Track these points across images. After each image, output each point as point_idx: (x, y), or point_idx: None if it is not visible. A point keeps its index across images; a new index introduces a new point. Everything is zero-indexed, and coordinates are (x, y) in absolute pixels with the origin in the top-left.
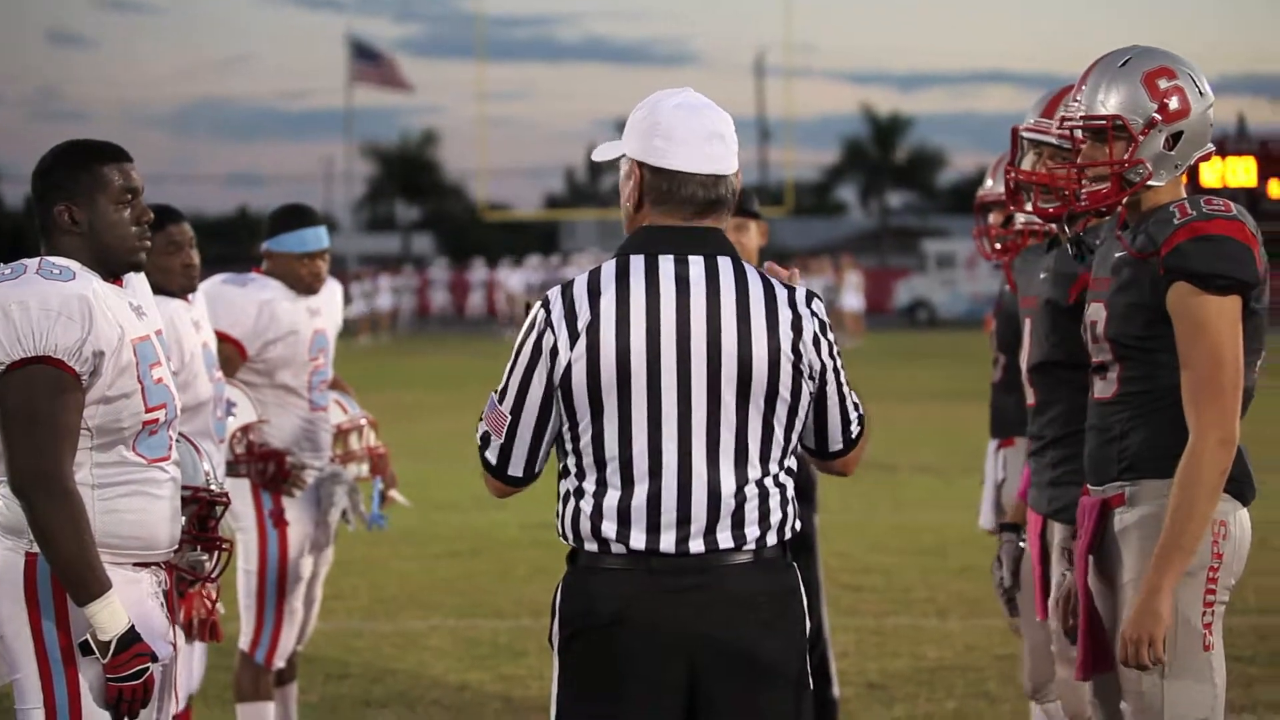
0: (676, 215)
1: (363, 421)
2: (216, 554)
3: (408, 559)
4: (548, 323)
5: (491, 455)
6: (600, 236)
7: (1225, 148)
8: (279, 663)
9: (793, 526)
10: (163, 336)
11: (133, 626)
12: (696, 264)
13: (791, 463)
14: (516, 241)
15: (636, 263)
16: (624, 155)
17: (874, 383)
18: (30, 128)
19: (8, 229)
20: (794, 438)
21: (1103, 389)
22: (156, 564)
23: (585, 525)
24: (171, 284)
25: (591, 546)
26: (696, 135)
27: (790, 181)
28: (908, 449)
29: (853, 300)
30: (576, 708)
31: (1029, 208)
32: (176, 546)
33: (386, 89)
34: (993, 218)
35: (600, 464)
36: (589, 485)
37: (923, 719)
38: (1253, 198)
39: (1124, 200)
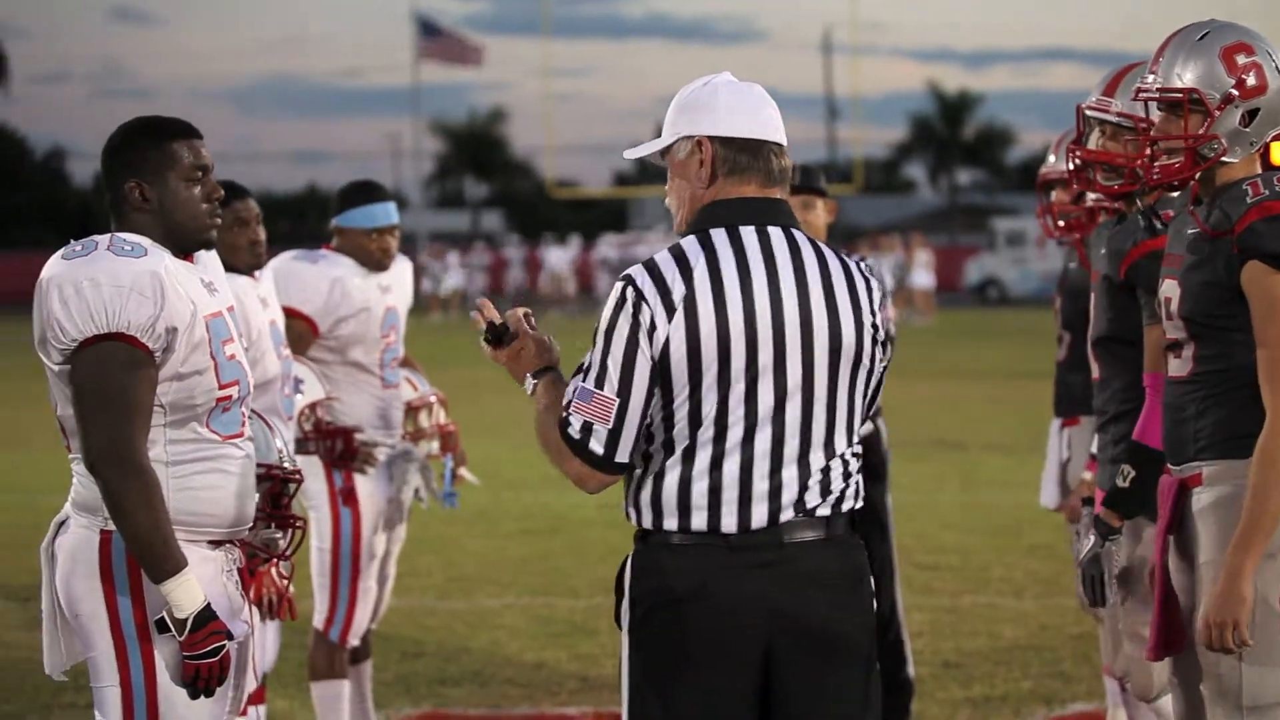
0: (751, 186)
1: (433, 399)
2: (290, 532)
3: (482, 537)
4: (640, 299)
5: (598, 445)
6: (669, 214)
7: None
8: (353, 641)
9: (859, 502)
10: (234, 313)
11: (209, 604)
12: (777, 234)
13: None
14: (585, 218)
15: (719, 236)
16: (681, 137)
17: (945, 361)
18: (95, 105)
19: (74, 206)
20: (867, 410)
21: (1178, 367)
22: (230, 542)
23: (669, 500)
24: (238, 261)
25: (671, 524)
26: (758, 107)
27: (859, 159)
28: (978, 427)
29: (923, 278)
30: (651, 685)
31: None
32: (250, 524)
33: (454, 65)
34: (1055, 195)
35: (693, 436)
36: (675, 460)
37: (999, 699)
38: None
39: (1196, 176)
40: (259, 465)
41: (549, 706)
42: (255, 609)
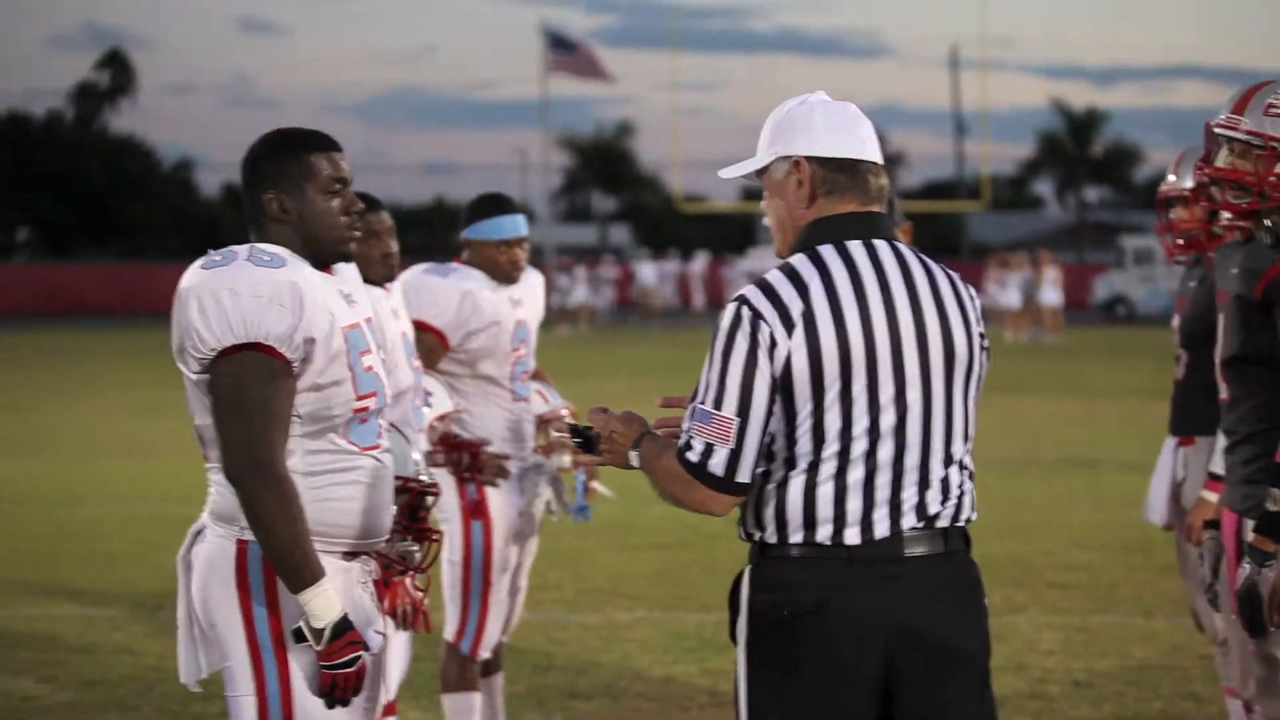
0: (850, 204)
1: (564, 412)
2: (427, 544)
3: (613, 550)
4: (758, 318)
5: (718, 466)
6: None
7: None
8: (484, 653)
9: (974, 513)
10: (373, 325)
11: (346, 614)
12: (883, 247)
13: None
14: (712, 233)
15: (828, 252)
16: (779, 157)
17: (1074, 378)
18: (223, 116)
19: (203, 217)
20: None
21: None
22: (366, 553)
23: (794, 513)
24: (371, 273)
25: (796, 537)
26: (853, 126)
27: (986, 175)
28: (1109, 445)
29: (1051, 296)
30: (769, 701)
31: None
32: (387, 536)
33: (584, 79)
34: (1175, 213)
35: (817, 450)
36: (799, 474)
37: (1130, 719)
38: None
39: None
40: (396, 477)
41: None
42: (389, 620)
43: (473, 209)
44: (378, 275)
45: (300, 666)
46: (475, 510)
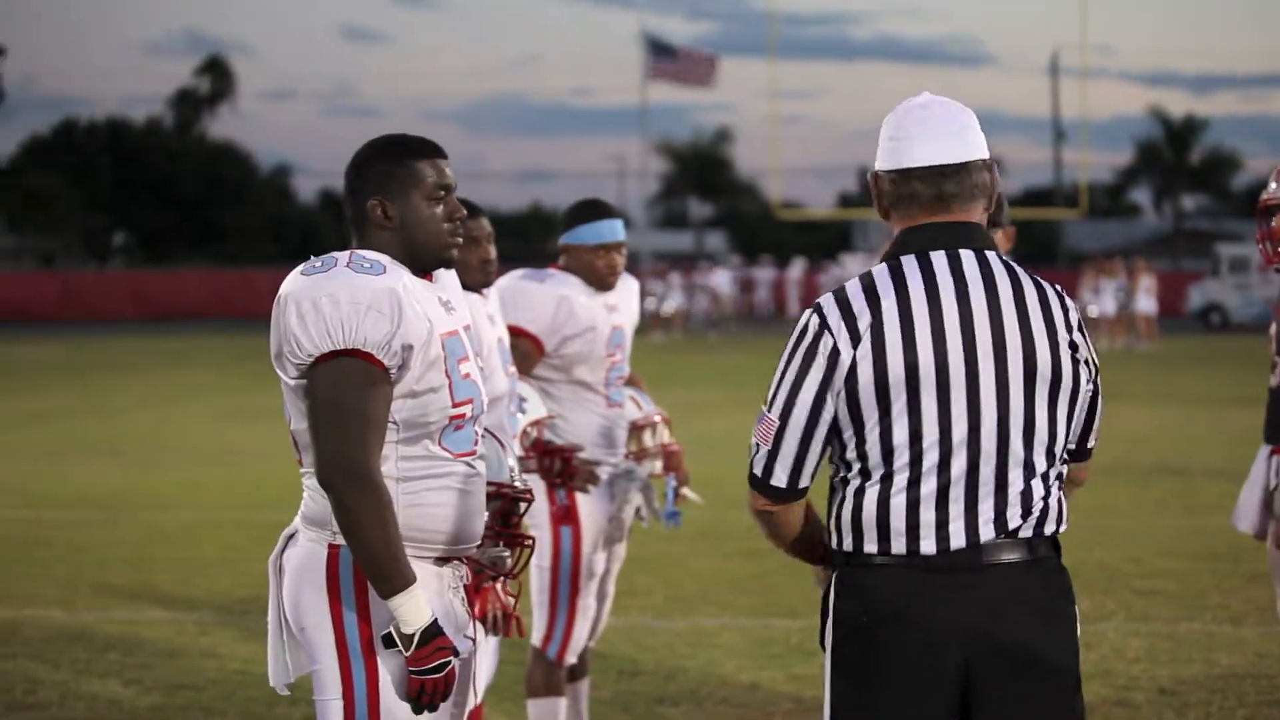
0: (918, 213)
1: (657, 418)
2: (519, 550)
3: (703, 556)
4: (823, 327)
5: (758, 465)
6: (893, 235)
7: None
8: (571, 659)
9: (1063, 524)
10: (471, 332)
11: (435, 620)
12: (969, 257)
13: (1065, 459)
14: (809, 240)
15: (909, 262)
16: (870, 174)
17: (1168, 386)
18: (322, 123)
19: (300, 223)
20: (1074, 433)
21: None
22: (458, 559)
23: (869, 523)
24: (469, 279)
25: (871, 547)
26: (930, 130)
27: (1084, 183)
28: (1200, 453)
29: (1146, 303)
30: (850, 707)
31: None
32: (479, 542)
33: (687, 85)
34: (1276, 222)
35: (888, 461)
36: (873, 484)
37: None
38: None
39: None
40: (490, 483)
41: None
42: (480, 625)
43: (572, 214)
44: (475, 281)
45: (388, 671)
46: (564, 516)
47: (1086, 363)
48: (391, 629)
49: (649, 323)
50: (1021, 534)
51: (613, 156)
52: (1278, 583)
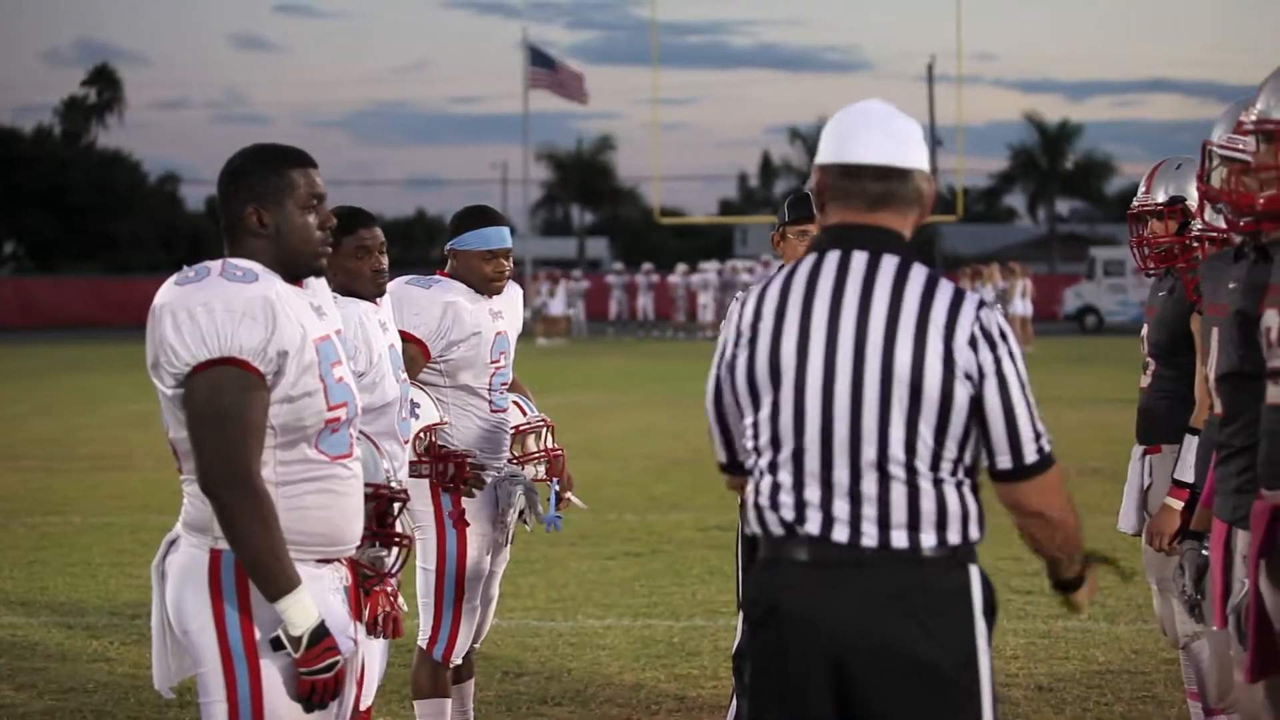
0: (852, 210)
1: (540, 423)
2: (396, 550)
3: (585, 558)
4: (728, 319)
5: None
6: (773, 246)
7: None
8: (456, 660)
9: (963, 532)
10: (342, 336)
11: (323, 621)
12: (859, 259)
13: (960, 470)
14: (691, 246)
15: (808, 260)
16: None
17: (1043, 388)
18: (212, 131)
19: (188, 231)
20: (950, 443)
21: (1276, 395)
22: (338, 560)
23: (750, 506)
24: (361, 287)
25: (755, 529)
26: (867, 130)
27: (960, 188)
28: (1076, 453)
29: (1022, 306)
30: (755, 699)
31: (1206, 216)
32: (358, 543)
33: (562, 97)
34: (1151, 227)
35: (758, 452)
36: (755, 472)
37: None
38: None
39: None
40: (366, 485)
41: None
42: (365, 627)
43: (459, 220)
44: (368, 289)
45: (272, 673)
46: (451, 520)
47: (969, 375)
48: (280, 631)
49: (533, 328)
50: (895, 541)
51: (496, 164)
52: (1152, 579)
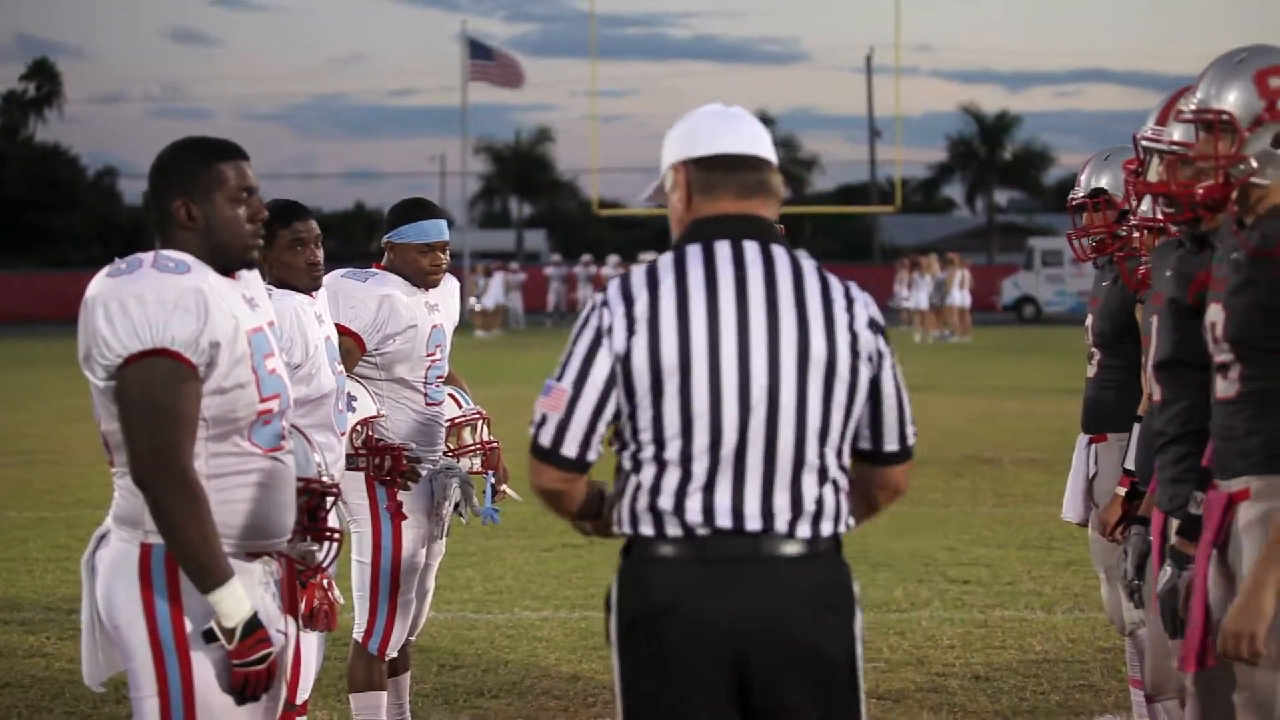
0: (725, 201)
1: (476, 416)
2: (327, 544)
3: (522, 550)
4: (604, 306)
5: (546, 436)
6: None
7: None
8: (392, 653)
9: (847, 522)
10: (275, 328)
11: (256, 613)
12: (752, 248)
13: (846, 456)
14: (629, 238)
15: (693, 250)
16: (668, 169)
17: (980, 378)
18: (151, 125)
19: (126, 225)
20: (851, 427)
21: (1225, 389)
22: (269, 553)
23: (643, 505)
24: (296, 280)
25: (647, 530)
26: (731, 125)
27: (899, 179)
28: (1013, 443)
29: (960, 297)
30: (637, 701)
31: (1142, 207)
32: (288, 536)
33: (503, 87)
34: (1086, 218)
35: (660, 445)
36: (649, 468)
37: (1027, 711)
38: None
39: (1233, 196)
40: (298, 479)
41: (585, 718)
42: (301, 620)
43: (396, 213)
44: (303, 282)
45: (203, 667)
46: (387, 513)
47: (870, 358)
48: (213, 624)
49: (471, 320)
50: (799, 530)
51: (434, 157)
52: (1100, 568)
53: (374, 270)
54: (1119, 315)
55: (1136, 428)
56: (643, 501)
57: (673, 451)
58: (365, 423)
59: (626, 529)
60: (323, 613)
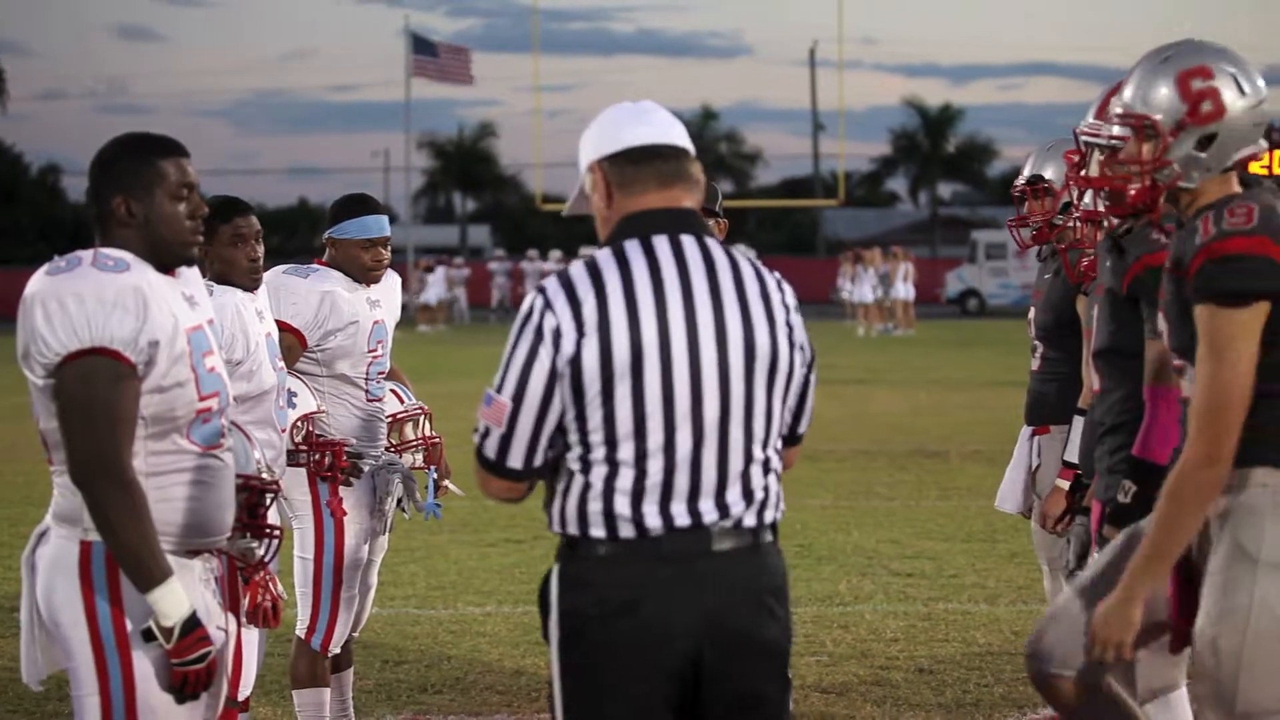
0: (647, 194)
1: (418, 411)
2: (267, 541)
3: (465, 546)
4: (547, 308)
5: (490, 448)
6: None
7: (1272, 139)
8: (335, 649)
9: (779, 512)
10: (215, 325)
11: (195, 612)
12: (690, 244)
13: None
14: (574, 232)
15: (632, 246)
16: (586, 172)
17: (925, 371)
18: (94, 121)
19: (69, 222)
20: (788, 416)
21: (1186, 388)
22: (209, 551)
23: (594, 506)
24: (236, 276)
25: (598, 532)
26: (642, 117)
27: (842, 173)
28: (957, 436)
29: (904, 290)
30: (582, 700)
31: (1086, 199)
32: (228, 534)
33: (448, 82)
34: (1028, 207)
35: (612, 445)
36: (599, 466)
37: (971, 704)
38: None
39: (1160, 200)
40: (237, 476)
41: (528, 713)
42: (245, 617)
43: (337, 209)
44: (244, 279)
45: (144, 665)
46: (328, 508)
47: (801, 347)
48: (151, 623)
49: (414, 315)
50: (745, 521)
51: (378, 152)
52: (1043, 559)
53: (315, 266)
54: (1061, 308)
55: (1078, 420)
56: (594, 504)
57: (626, 452)
58: (306, 419)
59: (573, 530)
60: (265, 609)
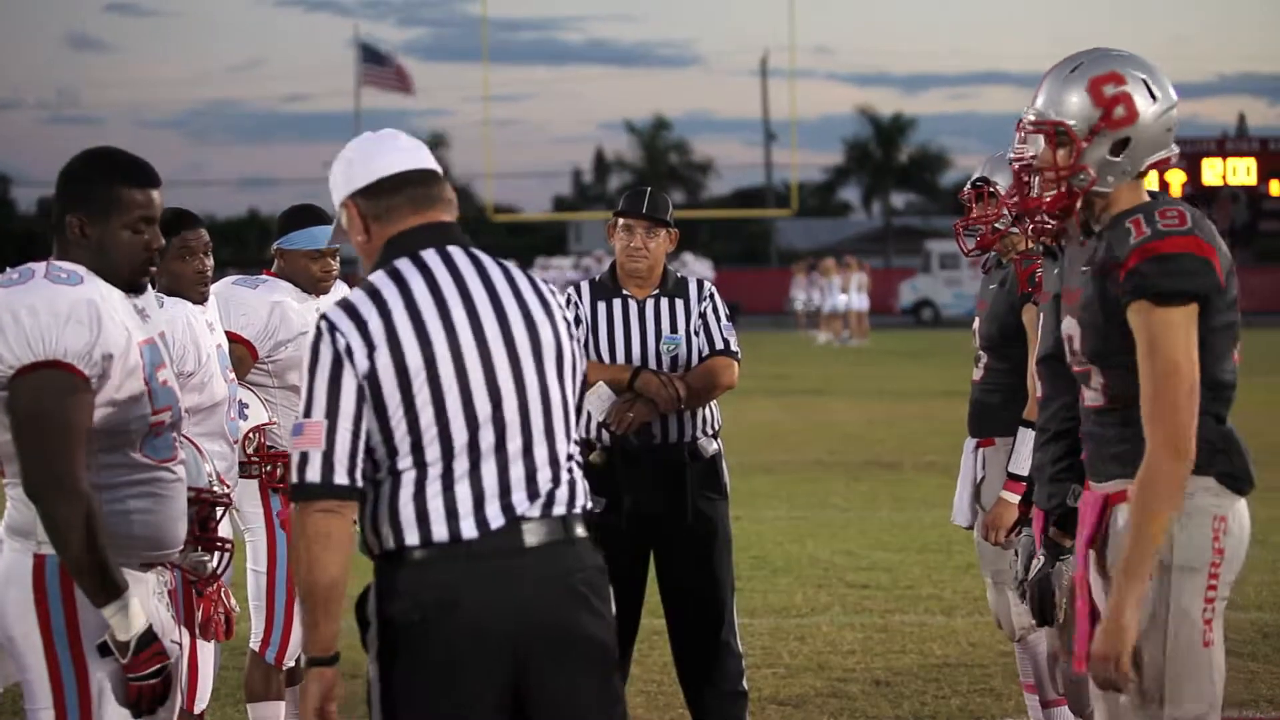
0: (403, 220)
1: None
2: (218, 554)
3: None
4: (333, 330)
5: (313, 471)
6: (607, 238)
7: (1225, 148)
8: (290, 662)
9: (589, 500)
10: (167, 339)
11: (150, 626)
12: (459, 254)
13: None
14: (524, 243)
15: (404, 264)
16: (341, 208)
17: (879, 381)
18: (45, 132)
19: (19, 233)
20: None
21: (1092, 398)
22: (161, 564)
23: (408, 516)
24: (185, 289)
25: (412, 539)
26: (386, 145)
27: (795, 183)
28: (911, 447)
29: (857, 300)
30: (404, 706)
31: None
32: (180, 547)
33: (394, 92)
34: (976, 212)
35: (418, 451)
36: (407, 473)
37: (929, 716)
38: (1253, 197)
39: (1076, 205)
40: (189, 489)
41: None
42: (199, 630)
43: (286, 220)
44: (192, 292)
45: (99, 679)
46: (280, 520)
47: (575, 338)
48: (107, 637)
49: None
50: (555, 510)
51: (329, 162)
52: (986, 573)
53: (264, 277)
54: (1006, 319)
55: (1024, 431)
56: (406, 509)
57: (432, 455)
58: (258, 430)
59: (389, 544)
60: (218, 622)
